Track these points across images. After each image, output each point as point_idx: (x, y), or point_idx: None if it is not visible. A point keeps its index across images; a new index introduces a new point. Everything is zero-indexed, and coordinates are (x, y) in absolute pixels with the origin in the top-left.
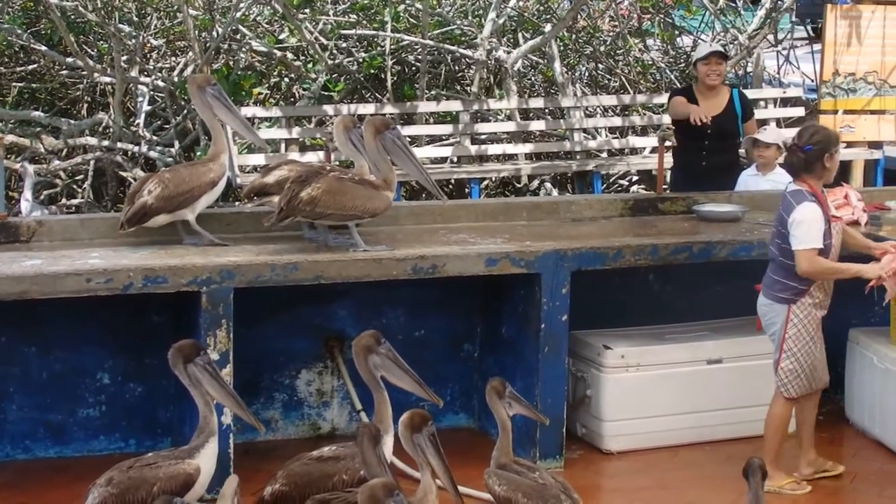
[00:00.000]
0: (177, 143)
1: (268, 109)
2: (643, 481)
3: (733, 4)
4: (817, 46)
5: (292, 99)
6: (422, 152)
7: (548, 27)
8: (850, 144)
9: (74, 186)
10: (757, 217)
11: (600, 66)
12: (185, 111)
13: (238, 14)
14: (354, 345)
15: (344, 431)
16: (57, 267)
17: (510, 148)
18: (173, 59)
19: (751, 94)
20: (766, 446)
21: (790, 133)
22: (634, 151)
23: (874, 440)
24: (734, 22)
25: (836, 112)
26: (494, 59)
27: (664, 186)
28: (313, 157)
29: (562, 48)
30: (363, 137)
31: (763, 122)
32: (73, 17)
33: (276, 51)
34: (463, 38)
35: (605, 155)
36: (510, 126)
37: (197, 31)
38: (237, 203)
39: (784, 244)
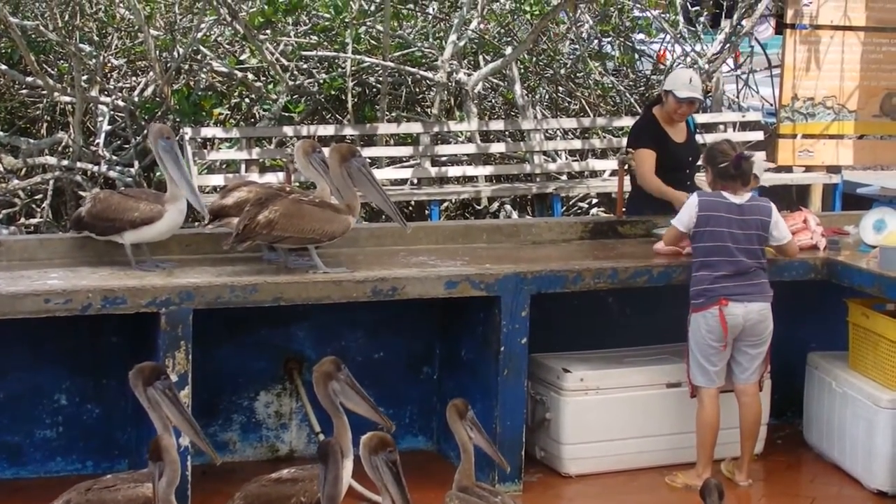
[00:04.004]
0: (136, 163)
1: (228, 130)
2: None
3: (693, 28)
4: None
5: (253, 120)
6: (382, 174)
7: (508, 50)
8: (808, 169)
9: (33, 206)
10: None
11: (560, 88)
12: (145, 131)
13: (199, 34)
14: (315, 371)
15: (302, 454)
16: (15, 287)
17: (470, 170)
18: (134, 78)
19: (710, 117)
20: (752, 444)
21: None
22: (594, 174)
23: (832, 464)
24: (694, 46)
25: (794, 136)
26: (455, 82)
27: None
28: (273, 179)
29: (522, 71)
30: (327, 163)
31: None
32: (33, 35)
33: (236, 71)
34: (424, 61)
35: (564, 177)
36: (470, 148)
37: (158, 51)
38: (196, 224)
39: (762, 245)
